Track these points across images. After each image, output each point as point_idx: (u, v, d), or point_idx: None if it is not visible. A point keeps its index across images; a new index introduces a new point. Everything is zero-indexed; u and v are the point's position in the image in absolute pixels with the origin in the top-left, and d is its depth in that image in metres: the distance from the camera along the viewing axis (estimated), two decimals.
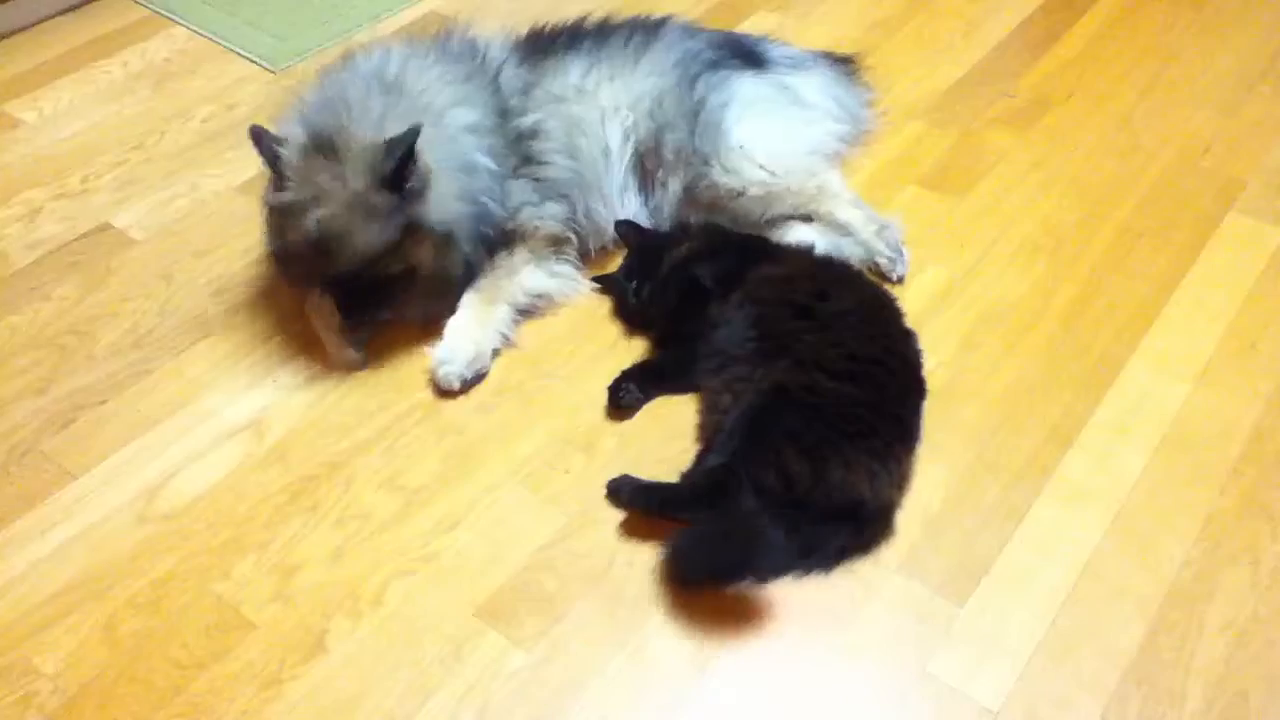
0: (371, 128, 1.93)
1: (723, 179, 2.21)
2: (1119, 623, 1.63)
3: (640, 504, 1.75)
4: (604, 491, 1.79)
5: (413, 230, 1.94)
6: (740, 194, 2.21)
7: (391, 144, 1.89)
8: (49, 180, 2.54)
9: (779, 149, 2.25)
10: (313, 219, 1.88)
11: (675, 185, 2.24)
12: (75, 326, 2.18)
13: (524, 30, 2.35)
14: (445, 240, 1.99)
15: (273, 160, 1.92)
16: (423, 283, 2.02)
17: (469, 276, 2.09)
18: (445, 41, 2.25)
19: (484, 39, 2.28)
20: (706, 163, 2.22)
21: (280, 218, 1.95)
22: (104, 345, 2.14)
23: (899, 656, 1.61)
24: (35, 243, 2.37)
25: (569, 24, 2.35)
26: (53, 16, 3.06)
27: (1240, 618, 1.63)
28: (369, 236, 1.90)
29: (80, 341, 2.15)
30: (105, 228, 2.41)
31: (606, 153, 2.23)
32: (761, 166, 2.21)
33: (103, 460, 1.92)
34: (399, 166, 1.89)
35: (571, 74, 2.25)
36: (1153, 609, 1.65)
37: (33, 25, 3.03)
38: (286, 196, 1.91)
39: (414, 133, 1.89)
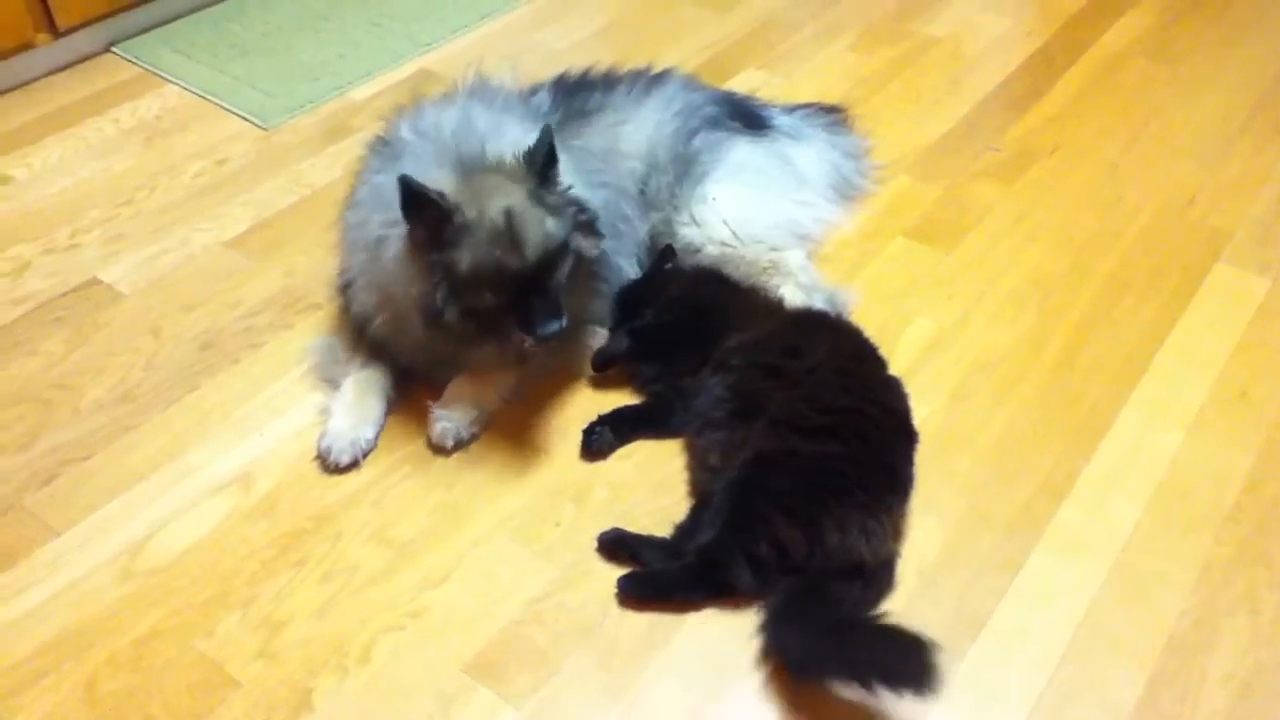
0: (510, 144, 1.93)
1: (686, 229, 2.22)
2: (1118, 675, 1.61)
3: (637, 594, 1.72)
4: (595, 544, 1.78)
5: (580, 223, 1.96)
6: (698, 250, 2.21)
7: (534, 148, 1.90)
8: (37, 235, 2.53)
9: (748, 215, 2.25)
10: (499, 212, 1.85)
11: (644, 227, 2.24)
12: (61, 381, 2.16)
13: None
14: (593, 225, 2.00)
15: (439, 197, 1.84)
16: (583, 276, 2.01)
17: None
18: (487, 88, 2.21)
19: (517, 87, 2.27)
20: (677, 209, 2.23)
21: (464, 242, 1.86)
22: (89, 400, 2.12)
23: (898, 710, 1.57)
24: (22, 298, 2.36)
25: (579, 75, 2.34)
26: (45, 75, 3.07)
27: (1242, 669, 1.61)
28: (549, 226, 1.90)
29: (65, 396, 2.12)
30: (93, 282, 2.40)
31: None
32: (725, 224, 2.22)
33: (86, 516, 1.89)
34: (549, 163, 1.91)
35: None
36: (1152, 661, 1.63)
37: (25, 84, 3.04)
38: (467, 215, 1.85)
39: (550, 132, 1.91)
